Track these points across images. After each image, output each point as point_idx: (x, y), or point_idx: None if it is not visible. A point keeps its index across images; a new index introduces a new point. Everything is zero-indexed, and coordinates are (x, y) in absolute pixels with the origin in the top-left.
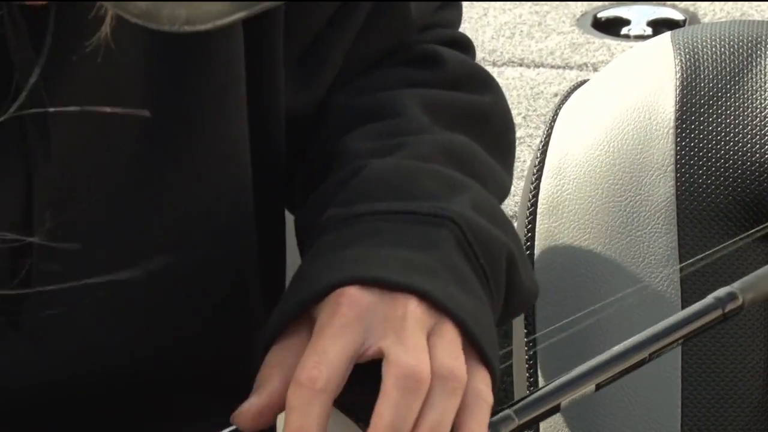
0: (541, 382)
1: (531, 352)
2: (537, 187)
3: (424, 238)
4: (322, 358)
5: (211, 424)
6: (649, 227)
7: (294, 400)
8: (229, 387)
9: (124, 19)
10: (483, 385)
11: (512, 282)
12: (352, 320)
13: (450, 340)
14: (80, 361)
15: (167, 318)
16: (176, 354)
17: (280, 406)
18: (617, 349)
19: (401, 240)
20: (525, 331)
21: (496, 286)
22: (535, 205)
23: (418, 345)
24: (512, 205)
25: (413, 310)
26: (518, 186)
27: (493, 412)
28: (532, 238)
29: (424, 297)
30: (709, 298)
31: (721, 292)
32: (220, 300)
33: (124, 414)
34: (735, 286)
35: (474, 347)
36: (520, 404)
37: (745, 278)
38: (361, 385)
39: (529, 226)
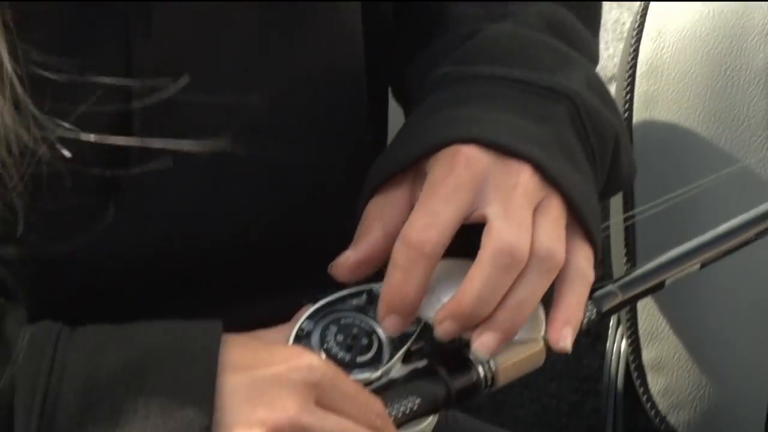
0: (638, 258)
1: (629, 225)
2: (636, 50)
3: (540, 110)
4: (433, 221)
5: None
6: (749, 91)
7: (399, 259)
8: (334, 254)
9: None
10: (585, 261)
11: (615, 164)
12: (466, 182)
13: (555, 217)
14: (183, 233)
15: (272, 184)
16: (281, 224)
17: (379, 260)
18: (723, 228)
19: (518, 108)
20: (623, 201)
21: (601, 167)
22: (634, 67)
23: (523, 222)
24: (611, 67)
25: (525, 181)
26: (617, 48)
27: (597, 288)
28: (630, 100)
29: (537, 169)
30: None
31: None
32: (327, 169)
33: (234, 283)
34: None
35: (579, 224)
36: (625, 280)
37: None
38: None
39: (628, 88)
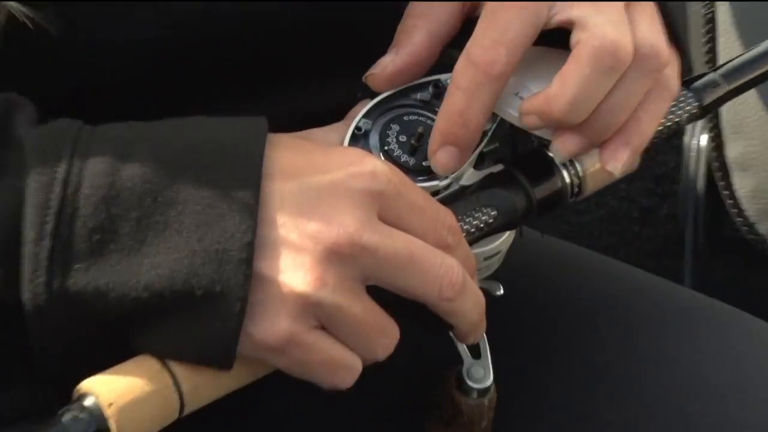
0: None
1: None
2: None
3: None
4: (502, 37)
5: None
6: None
7: (463, 81)
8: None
9: None
10: (671, 71)
11: None
12: None
13: (651, 14)
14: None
15: None
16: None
17: (422, 66)
18: None
19: None
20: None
21: None
22: None
23: (621, 18)
24: None
25: None
26: None
27: (697, 77)
28: None
29: None
30: None
31: None
32: None
33: (276, 65)
34: None
35: (668, 29)
36: (728, 67)
37: None
38: None
39: None
